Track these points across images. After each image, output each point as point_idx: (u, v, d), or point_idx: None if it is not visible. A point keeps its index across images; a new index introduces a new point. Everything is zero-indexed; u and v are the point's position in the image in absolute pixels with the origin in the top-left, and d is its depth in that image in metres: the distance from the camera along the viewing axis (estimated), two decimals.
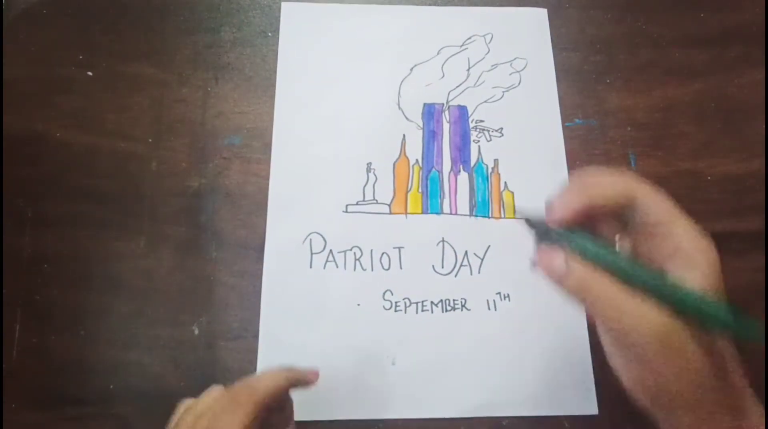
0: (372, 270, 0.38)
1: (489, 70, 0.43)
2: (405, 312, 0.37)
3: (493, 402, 0.35)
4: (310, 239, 0.38)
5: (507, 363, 0.36)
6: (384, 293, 0.37)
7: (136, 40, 0.43)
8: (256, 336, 0.36)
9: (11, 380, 0.36)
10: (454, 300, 0.37)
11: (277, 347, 0.36)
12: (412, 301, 0.37)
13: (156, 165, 0.40)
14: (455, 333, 0.37)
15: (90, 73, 0.42)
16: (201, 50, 0.43)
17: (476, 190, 0.40)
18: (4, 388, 0.35)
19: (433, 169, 0.40)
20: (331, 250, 0.38)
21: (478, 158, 0.41)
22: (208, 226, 0.39)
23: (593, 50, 0.44)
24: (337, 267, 0.38)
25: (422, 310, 0.37)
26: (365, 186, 0.40)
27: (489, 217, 0.39)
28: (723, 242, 0.39)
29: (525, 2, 0.45)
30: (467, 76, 0.43)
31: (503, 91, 0.43)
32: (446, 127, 0.42)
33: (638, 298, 0.23)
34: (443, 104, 0.42)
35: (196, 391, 0.29)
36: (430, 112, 0.42)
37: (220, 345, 0.36)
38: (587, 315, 0.37)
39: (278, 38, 0.43)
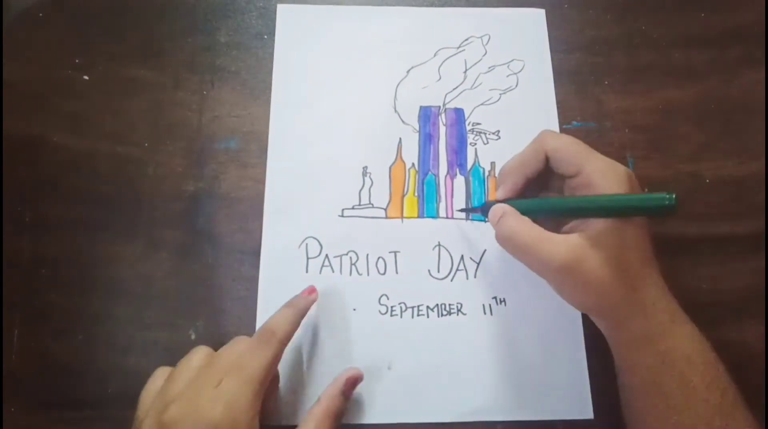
0: (368, 274, 0.38)
1: (486, 72, 0.43)
2: (401, 317, 0.37)
3: (489, 406, 0.35)
4: (306, 244, 0.38)
5: (502, 368, 0.36)
6: (380, 298, 0.37)
7: (133, 43, 0.43)
8: None
9: (10, 383, 0.36)
10: (449, 304, 0.37)
11: None
12: (408, 305, 0.37)
13: (152, 169, 0.40)
14: (451, 338, 0.37)
15: (86, 77, 0.42)
16: (197, 53, 0.43)
17: (473, 194, 0.40)
18: (3, 391, 0.36)
19: (430, 173, 0.40)
20: (326, 255, 0.38)
21: (474, 161, 0.41)
22: (204, 230, 0.39)
23: (591, 51, 0.44)
24: (333, 272, 0.38)
25: (418, 315, 0.37)
26: (361, 190, 0.40)
27: (485, 221, 0.39)
28: (722, 245, 0.40)
29: (523, 3, 0.45)
30: (464, 79, 0.43)
31: (500, 94, 0.42)
32: (443, 130, 0.41)
33: (550, 241, 0.30)
34: (440, 107, 0.42)
35: None
36: (427, 115, 0.42)
37: (216, 349, 0.36)
38: (583, 320, 0.37)
39: (274, 41, 0.43)
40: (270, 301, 0.37)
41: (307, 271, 0.38)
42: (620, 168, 0.31)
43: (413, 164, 0.40)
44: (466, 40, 0.43)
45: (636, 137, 0.42)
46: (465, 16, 0.44)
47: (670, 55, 0.44)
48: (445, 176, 0.40)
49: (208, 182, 0.40)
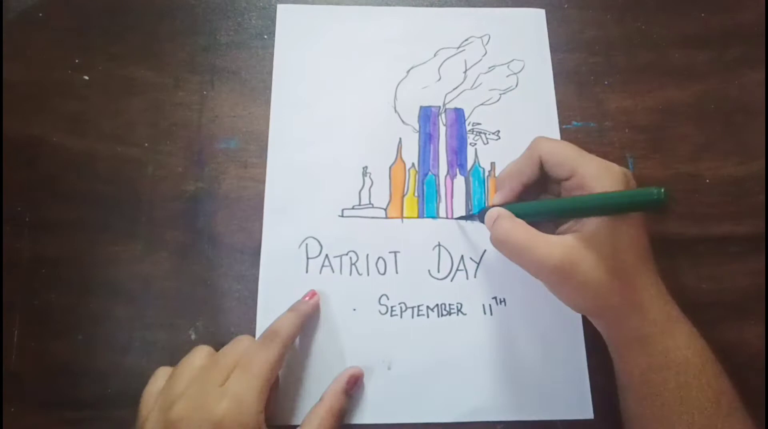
0: (368, 274, 0.38)
1: (486, 72, 0.43)
2: (401, 317, 0.37)
3: (489, 406, 0.35)
4: (306, 244, 0.38)
5: (502, 368, 0.36)
6: (380, 298, 0.37)
7: (132, 43, 0.43)
8: None
9: (10, 384, 0.36)
10: (449, 304, 0.37)
11: None
12: (408, 305, 0.37)
13: (152, 169, 0.40)
14: (451, 338, 0.37)
15: (86, 77, 0.42)
16: (197, 53, 0.43)
17: (473, 194, 0.40)
18: (3, 391, 0.36)
19: (430, 173, 0.40)
20: (327, 255, 0.38)
21: (474, 161, 0.41)
22: (204, 230, 0.39)
23: (591, 51, 0.44)
24: (333, 272, 0.38)
25: (418, 315, 0.37)
26: (361, 190, 0.40)
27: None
28: (722, 245, 0.40)
29: (523, 3, 0.45)
30: (464, 79, 0.43)
31: (500, 94, 0.42)
32: (443, 130, 0.41)
33: (543, 242, 0.30)
34: (440, 107, 0.42)
35: None
36: (427, 115, 0.42)
37: (216, 349, 0.36)
38: (583, 321, 0.37)
39: (274, 41, 0.43)
40: (270, 301, 0.37)
41: (307, 271, 0.38)
42: (615, 168, 0.31)
43: (413, 164, 0.40)
44: (466, 40, 0.43)
45: (636, 137, 0.42)
46: (465, 16, 0.44)
47: (670, 55, 0.44)
48: (445, 176, 0.40)
49: (208, 182, 0.40)
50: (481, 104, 0.42)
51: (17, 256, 0.38)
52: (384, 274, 0.38)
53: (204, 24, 0.44)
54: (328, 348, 0.36)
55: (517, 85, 0.42)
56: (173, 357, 0.33)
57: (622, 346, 0.32)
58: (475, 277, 0.38)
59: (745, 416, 0.30)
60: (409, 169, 0.40)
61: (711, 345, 0.31)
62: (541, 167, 0.34)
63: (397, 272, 0.38)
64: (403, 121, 0.41)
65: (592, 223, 0.30)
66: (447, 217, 0.39)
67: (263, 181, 0.40)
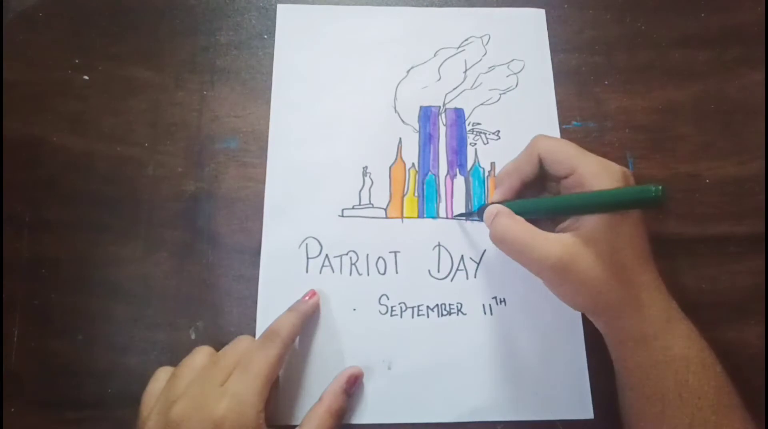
0: (368, 274, 0.38)
1: (486, 72, 0.43)
2: (401, 316, 0.37)
3: (489, 406, 0.35)
4: (306, 244, 0.38)
5: (502, 367, 0.36)
6: (380, 298, 0.37)
7: (132, 43, 0.43)
8: None
9: (10, 384, 0.36)
10: (449, 304, 0.37)
11: None
12: (408, 305, 0.37)
13: (152, 169, 0.40)
14: (451, 338, 0.37)
15: (86, 77, 0.42)
16: (197, 53, 0.43)
17: (473, 194, 0.40)
18: (3, 391, 0.36)
19: (430, 173, 0.40)
20: (327, 255, 0.38)
21: (474, 162, 0.41)
22: (204, 230, 0.39)
23: (591, 51, 0.44)
24: (333, 272, 0.38)
25: (418, 315, 0.37)
26: (361, 190, 0.40)
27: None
28: (722, 245, 0.40)
29: (523, 3, 0.45)
30: (464, 79, 0.43)
31: (500, 94, 0.42)
32: (443, 130, 0.41)
33: (542, 239, 0.31)
34: (440, 107, 0.42)
35: None
36: (427, 115, 0.42)
37: (216, 349, 0.36)
38: (583, 320, 0.37)
39: (274, 41, 0.43)
40: (270, 301, 0.37)
41: (307, 271, 0.38)
42: (614, 167, 0.31)
43: (413, 164, 0.40)
44: (466, 40, 0.43)
45: (636, 137, 0.42)
46: (465, 16, 0.44)
47: (670, 55, 0.44)
48: (445, 176, 0.40)
49: (208, 182, 0.40)
50: (481, 104, 0.42)
51: (17, 256, 0.38)
52: (384, 274, 0.38)
53: (204, 24, 0.44)
54: (328, 348, 0.36)
55: (517, 85, 0.42)
56: (173, 357, 0.34)
57: (621, 344, 0.32)
58: (475, 277, 0.38)
59: (746, 415, 0.30)
60: (409, 169, 0.40)
61: (711, 345, 0.31)
62: (541, 165, 0.34)
63: (397, 272, 0.38)
64: (403, 121, 0.41)
65: (590, 222, 0.30)
66: (447, 217, 0.39)
67: (263, 181, 0.40)
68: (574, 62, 0.43)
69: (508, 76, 0.43)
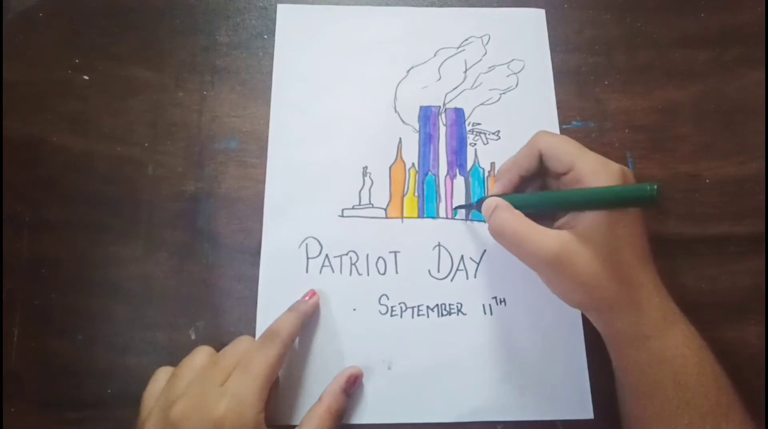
0: (368, 274, 0.38)
1: (486, 72, 0.43)
2: (401, 316, 0.37)
3: (489, 406, 0.35)
4: (306, 244, 0.38)
5: (502, 367, 0.36)
6: (380, 298, 0.37)
7: (132, 43, 0.43)
8: None
9: (10, 384, 0.36)
10: (449, 304, 0.37)
11: None
12: (408, 305, 0.37)
13: (152, 169, 0.40)
14: (451, 338, 0.37)
15: (86, 77, 0.42)
16: (197, 53, 0.43)
17: (472, 194, 0.40)
18: (3, 391, 0.36)
19: (430, 173, 0.40)
20: (327, 255, 0.38)
21: (474, 162, 0.41)
22: (204, 230, 0.39)
23: (591, 51, 0.44)
24: (333, 272, 0.38)
25: (418, 315, 0.37)
26: (361, 190, 0.40)
27: (485, 222, 0.39)
28: (722, 245, 0.40)
29: (523, 3, 0.45)
30: (464, 78, 0.43)
31: (500, 94, 0.42)
32: (443, 130, 0.41)
33: (540, 233, 0.31)
34: (440, 107, 0.42)
35: None
36: (427, 115, 0.42)
37: (216, 349, 0.36)
38: (583, 320, 0.37)
39: (274, 41, 0.43)
40: (270, 301, 0.37)
41: (307, 271, 0.38)
42: (613, 165, 0.31)
43: (413, 164, 0.40)
44: (466, 40, 0.43)
45: (636, 137, 0.42)
46: (465, 16, 0.44)
47: (670, 55, 0.44)
48: (445, 176, 0.40)
49: (208, 182, 0.40)
50: (481, 104, 0.42)
51: (17, 256, 0.38)
52: (384, 274, 0.38)
53: (204, 24, 0.44)
54: (328, 348, 0.36)
55: (517, 85, 0.42)
56: (173, 357, 0.33)
57: (619, 343, 0.32)
58: (475, 277, 0.38)
59: (745, 415, 0.30)
60: (409, 169, 0.40)
61: (711, 345, 0.31)
62: (541, 161, 0.34)
63: (397, 272, 0.38)
64: (403, 121, 0.41)
65: (588, 219, 0.30)
66: (447, 218, 0.39)
67: (263, 181, 0.40)
68: (574, 62, 0.43)
69: (508, 76, 0.43)
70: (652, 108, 0.43)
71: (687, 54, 0.44)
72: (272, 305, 0.37)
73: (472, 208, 0.39)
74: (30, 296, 0.37)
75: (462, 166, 0.41)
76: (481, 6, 0.45)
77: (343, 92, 0.42)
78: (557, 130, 0.41)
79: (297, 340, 0.36)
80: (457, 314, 0.37)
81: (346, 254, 0.38)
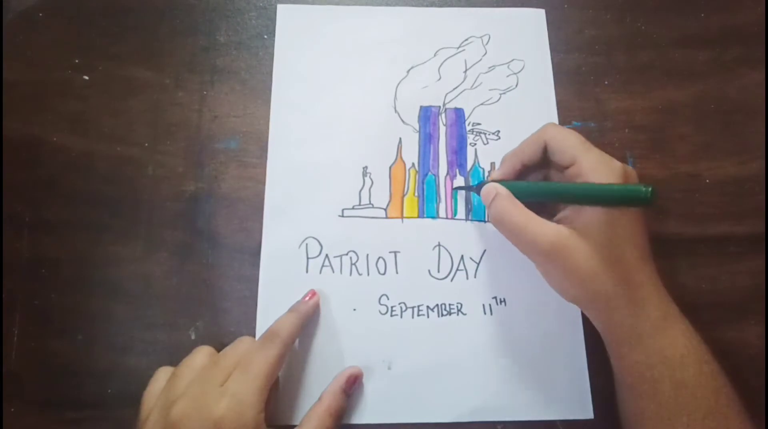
0: (368, 274, 0.38)
1: (486, 72, 0.43)
2: (401, 317, 0.37)
3: (489, 406, 0.35)
4: (306, 244, 0.38)
5: (502, 367, 0.36)
6: (380, 298, 0.37)
7: (132, 43, 0.43)
8: None
9: (10, 384, 0.36)
10: (449, 304, 0.37)
11: None
12: (408, 305, 0.37)
13: (152, 169, 0.40)
14: (451, 338, 0.37)
15: (86, 77, 0.42)
16: (197, 53, 0.43)
17: (472, 194, 0.40)
18: (3, 391, 0.36)
19: (430, 173, 0.40)
20: (327, 255, 0.38)
21: (474, 162, 0.41)
22: (204, 230, 0.39)
23: (591, 51, 0.44)
24: (333, 272, 0.38)
25: (418, 315, 0.37)
26: (361, 190, 0.40)
27: (485, 221, 0.39)
28: (722, 245, 0.40)
29: (523, 3, 0.45)
30: (464, 78, 0.43)
31: (500, 94, 0.42)
32: (443, 130, 0.41)
33: (539, 224, 0.31)
34: (440, 107, 0.42)
35: None
36: (427, 115, 0.42)
37: (217, 349, 0.36)
38: (583, 320, 0.37)
39: (274, 41, 0.43)
40: (270, 301, 0.37)
41: (307, 271, 0.38)
42: (615, 163, 0.31)
43: (413, 164, 0.40)
44: (466, 40, 0.43)
45: (636, 137, 0.42)
46: (465, 16, 0.44)
47: (670, 55, 0.44)
48: (445, 176, 0.40)
49: (208, 182, 0.40)
50: (481, 104, 0.42)
51: (17, 256, 0.38)
52: (384, 274, 0.38)
53: (204, 24, 0.44)
54: (328, 348, 0.36)
55: (517, 85, 0.42)
56: (173, 357, 0.33)
57: (617, 342, 0.32)
58: (475, 277, 0.38)
59: (744, 415, 0.30)
60: (409, 169, 0.40)
61: (711, 345, 0.31)
62: (545, 152, 0.34)
63: (397, 272, 0.38)
64: (403, 121, 0.41)
65: (588, 216, 0.31)
66: (447, 217, 0.39)
67: (263, 181, 0.40)
68: (574, 62, 0.43)
69: (508, 76, 0.43)
70: (652, 108, 0.43)
71: (687, 54, 0.44)
72: (272, 305, 0.37)
73: (472, 190, 0.39)
74: (30, 296, 0.37)
75: (462, 166, 0.41)
76: (481, 6, 0.45)
77: (343, 92, 0.42)
78: None
79: (297, 340, 0.36)
80: (457, 314, 0.37)
81: (346, 254, 0.38)
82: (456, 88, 0.42)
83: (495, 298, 0.38)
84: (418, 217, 0.39)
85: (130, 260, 0.38)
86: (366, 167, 0.40)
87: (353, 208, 0.39)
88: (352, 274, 0.38)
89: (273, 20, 0.44)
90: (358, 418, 0.35)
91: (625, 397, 0.32)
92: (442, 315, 0.37)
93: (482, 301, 0.37)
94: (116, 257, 0.38)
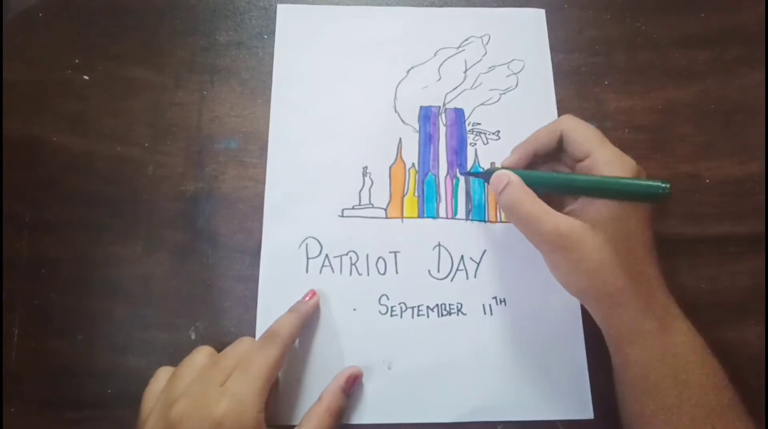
0: (368, 274, 0.38)
1: (486, 72, 0.43)
2: (401, 317, 0.37)
3: (489, 406, 0.35)
4: (306, 244, 0.38)
5: (502, 367, 0.36)
6: (380, 298, 0.37)
7: (132, 43, 0.43)
8: None
9: (10, 384, 0.36)
10: (449, 304, 0.37)
11: None
12: (408, 305, 0.37)
13: (152, 169, 0.40)
14: (451, 338, 0.37)
15: (86, 77, 0.42)
16: (197, 53, 0.43)
17: (472, 194, 0.40)
18: (3, 391, 0.36)
19: (430, 173, 0.40)
20: (327, 255, 0.38)
21: (474, 162, 0.41)
22: (204, 230, 0.39)
23: (591, 51, 0.44)
24: (333, 272, 0.38)
25: (418, 315, 0.37)
26: (361, 190, 0.40)
27: (485, 221, 0.39)
28: (722, 245, 0.40)
29: (523, 3, 0.45)
30: (464, 79, 0.43)
31: (500, 94, 0.42)
32: (443, 130, 0.41)
33: (550, 214, 0.31)
34: (440, 107, 0.42)
35: None
36: (427, 115, 0.42)
37: (217, 350, 0.36)
38: (583, 320, 0.37)
39: (274, 41, 0.43)
40: (270, 301, 0.37)
41: (307, 271, 0.38)
42: (629, 161, 0.32)
43: (413, 164, 0.40)
44: (466, 40, 0.43)
45: (636, 137, 0.42)
46: (465, 16, 0.44)
47: (670, 55, 0.44)
48: (445, 176, 0.40)
49: (208, 182, 0.40)
50: (481, 104, 0.42)
51: (17, 256, 0.38)
52: (384, 274, 0.38)
53: (204, 24, 0.44)
54: (328, 348, 0.36)
55: (517, 85, 0.42)
56: (173, 357, 0.33)
57: (619, 339, 0.31)
58: (475, 277, 0.38)
59: (744, 415, 0.30)
60: (409, 169, 0.40)
61: (711, 345, 0.31)
62: (559, 143, 0.34)
63: (397, 272, 0.38)
64: (403, 121, 0.41)
65: (598, 210, 0.31)
66: (447, 217, 0.39)
67: (263, 181, 0.40)
68: (574, 62, 0.43)
69: (508, 76, 0.43)
70: (652, 108, 0.43)
71: (687, 54, 0.44)
72: (272, 305, 0.37)
73: (480, 176, 0.39)
74: (30, 296, 0.37)
75: (462, 166, 0.41)
76: (481, 6, 0.45)
77: (343, 92, 0.42)
78: None
79: (297, 340, 0.36)
80: (457, 314, 0.37)
81: (346, 254, 0.38)
82: (456, 88, 0.42)
83: (495, 298, 0.38)
84: (418, 217, 0.39)
85: (130, 260, 0.38)
86: (366, 167, 0.40)
87: (353, 208, 0.39)
88: (352, 274, 0.38)
89: (273, 20, 0.44)
90: (358, 418, 0.35)
91: (626, 395, 0.32)
92: (442, 315, 0.37)
93: (482, 301, 0.37)
94: (116, 257, 0.38)
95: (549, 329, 0.37)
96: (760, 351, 0.37)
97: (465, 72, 0.43)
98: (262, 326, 0.36)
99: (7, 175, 0.40)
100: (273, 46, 0.43)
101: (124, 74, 0.42)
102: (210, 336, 0.37)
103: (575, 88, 0.43)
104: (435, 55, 0.43)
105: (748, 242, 0.40)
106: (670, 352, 0.30)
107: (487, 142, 0.41)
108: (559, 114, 0.42)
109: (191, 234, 0.39)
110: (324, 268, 0.38)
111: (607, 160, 0.31)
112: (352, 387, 0.35)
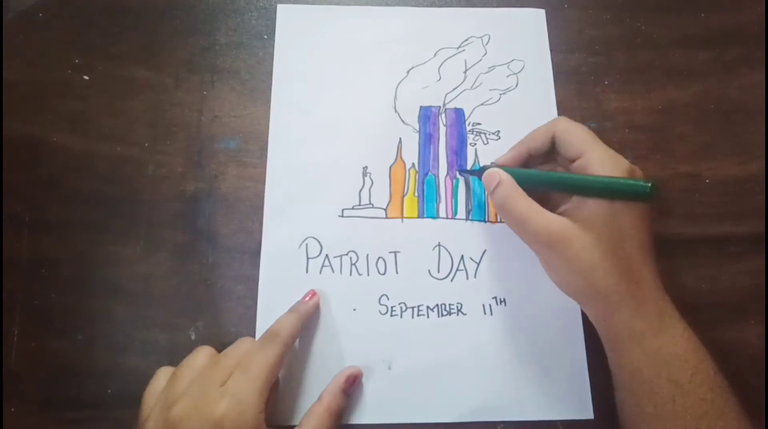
0: (368, 275, 0.38)
1: (486, 73, 0.43)
2: (401, 317, 0.37)
3: (489, 406, 0.35)
4: (306, 244, 0.38)
5: (503, 368, 0.36)
6: (380, 298, 0.37)
7: (133, 43, 0.43)
8: None
9: (10, 384, 0.36)
10: (449, 304, 0.37)
11: None
12: (408, 305, 0.37)
13: (152, 169, 0.40)
14: (451, 338, 0.37)
15: (86, 77, 0.42)
16: (197, 53, 0.43)
17: (472, 194, 0.40)
18: (3, 391, 0.36)
19: (430, 173, 0.40)
20: (327, 255, 0.38)
21: (474, 162, 0.41)
22: (204, 230, 0.39)
23: (591, 51, 0.44)
24: (333, 272, 0.38)
25: (418, 315, 0.37)
26: (361, 190, 0.40)
27: (485, 222, 0.39)
28: (722, 245, 0.40)
29: (523, 3, 0.45)
30: (464, 79, 0.43)
31: (500, 94, 0.42)
32: (443, 130, 0.41)
33: (543, 214, 0.31)
34: (440, 107, 0.42)
35: None
36: (427, 115, 0.42)
37: (217, 350, 0.36)
38: (583, 320, 0.37)
39: (274, 41, 0.43)
40: (270, 301, 0.37)
41: (307, 271, 0.38)
42: (623, 160, 0.32)
43: (413, 164, 0.40)
44: (466, 40, 0.43)
45: (636, 137, 0.42)
46: (465, 16, 0.44)
47: (670, 55, 0.44)
48: (445, 176, 0.40)
49: (208, 182, 0.40)
50: (481, 104, 0.42)
51: (17, 256, 0.38)
52: (384, 274, 0.38)
53: (204, 24, 0.44)
54: (328, 348, 0.36)
55: (517, 85, 0.42)
56: (173, 357, 0.33)
57: (615, 340, 0.31)
58: (475, 277, 0.38)
59: (742, 415, 0.29)
60: (409, 169, 0.40)
61: (711, 346, 0.31)
62: (553, 143, 0.35)
63: (397, 272, 0.38)
64: (403, 121, 0.41)
65: (591, 209, 0.31)
66: (447, 218, 0.39)
67: (263, 181, 0.40)
68: (574, 62, 0.43)
69: (508, 76, 0.43)
70: (652, 108, 0.43)
71: (687, 54, 0.44)
72: (272, 305, 0.37)
73: (474, 174, 0.39)
74: (30, 296, 0.37)
75: (462, 166, 0.41)
76: (481, 6, 0.45)
77: (343, 92, 0.42)
78: None
79: (297, 340, 0.36)
80: (457, 314, 0.37)
81: (346, 254, 0.38)
82: (456, 88, 0.42)
83: (495, 298, 0.38)
84: (418, 217, 0.39)
85: (130, 260, 0.38)
86: (366, 167, 0.40)
87: (353, 208, 0.39)
88: (352, 274, 0.38)
89: (273, 20, 0.44)
90: (358, 418, 0.35)
91: (623, 397, 0.32)
92: (442, 315, 0.37)
93: (482, 301, 0.37)
94: (116, 257, 0.38)
95: (549, 329, 0.37)
96: (760, 351, 0.37)
97: (465, 72, 0.43)
98: (262, 326, 0.36)
99: (7, 175, 0.40)
100: (273, 46, 0.43)
101: (124, 74, 0.42)
102: (210, 336, 0.37)
103: (575, 88, 0.43)
104: (435, 55, 0.43)
105: (748, 242, 0.40)
106: (663, 353, 0.30)
107: (487, 142, 0.41)
108: (559, 114, 0.42)
109: (191, 234, 0.39)
110: (324, 268, 0.38)
111: (600, 160, 0.31)
112: (351, 387, 0.35)
